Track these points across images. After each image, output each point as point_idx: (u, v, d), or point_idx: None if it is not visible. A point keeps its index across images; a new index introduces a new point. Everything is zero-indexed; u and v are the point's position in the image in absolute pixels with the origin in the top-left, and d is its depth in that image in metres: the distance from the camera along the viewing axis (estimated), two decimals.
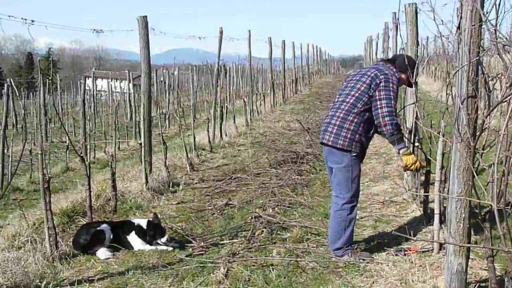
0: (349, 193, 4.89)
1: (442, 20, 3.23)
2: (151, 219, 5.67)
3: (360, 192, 5.43)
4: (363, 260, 4.89)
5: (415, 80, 4.91)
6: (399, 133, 4.75)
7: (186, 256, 5.31)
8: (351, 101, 4.88)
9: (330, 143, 4.90)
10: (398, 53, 7.53)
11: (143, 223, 5.67)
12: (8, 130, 16.14)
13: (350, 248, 5.00)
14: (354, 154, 4.85)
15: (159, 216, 5.82)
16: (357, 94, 4.87)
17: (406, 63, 4.88)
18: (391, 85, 4.77)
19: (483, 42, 3.21)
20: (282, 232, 5.92)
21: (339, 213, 4.94)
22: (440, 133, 4.78)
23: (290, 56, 28.30)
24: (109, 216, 6.70)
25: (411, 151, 4.82)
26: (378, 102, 4.75)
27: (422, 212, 6.01)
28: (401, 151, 4.81)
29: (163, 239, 5.55)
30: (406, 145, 4.87)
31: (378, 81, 4.80)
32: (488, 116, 3.05)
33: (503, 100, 2.94)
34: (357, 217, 5.22)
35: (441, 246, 4.78)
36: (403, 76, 5.02)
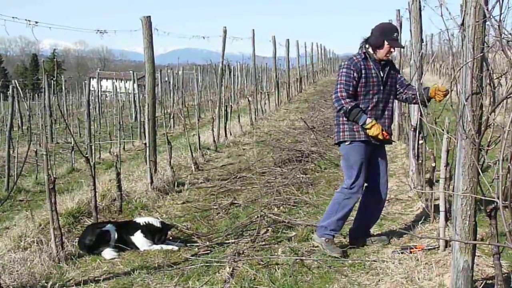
0: (350, 180, 5.13)
1: (449, 13, 3.19)
2: (159, 220, 5.68)
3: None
4: (330, 253, 5.05)
5: (420, 78, 4.89)
6: (352, 113, 4.93)
7: (192, 255, 5.32)
8: None
9: (335, 143, 5.36)
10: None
11: (148, 222, 5.66)
12: (14, 131, 16.19)
13: (331, 234, 5.16)
14: (347, 143, 5.10)
15: (162, 217, 5.83)
16: None
17: (376, 37, 5.02)
18: (339, 72, 5.07)
19: (488, 39, 3.19)
20: (287, 231, 5.92)
21: (337, 195, 5.23)
22: (445, 130, 4.76)
23: (295, 55, 28.31)
24: (114, 216, 6.71)
25: (373, 123, 4.93)
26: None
27: (427, 210, 5.99)
28: (364, 126, 4.96)
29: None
30: (365, 118, 4.94)
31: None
32: (493, 113, 3.04)
33: (508, 96, 2.93)
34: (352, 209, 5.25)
35: (447, 243, 4.77)
36: (380, 50, 5.05)
